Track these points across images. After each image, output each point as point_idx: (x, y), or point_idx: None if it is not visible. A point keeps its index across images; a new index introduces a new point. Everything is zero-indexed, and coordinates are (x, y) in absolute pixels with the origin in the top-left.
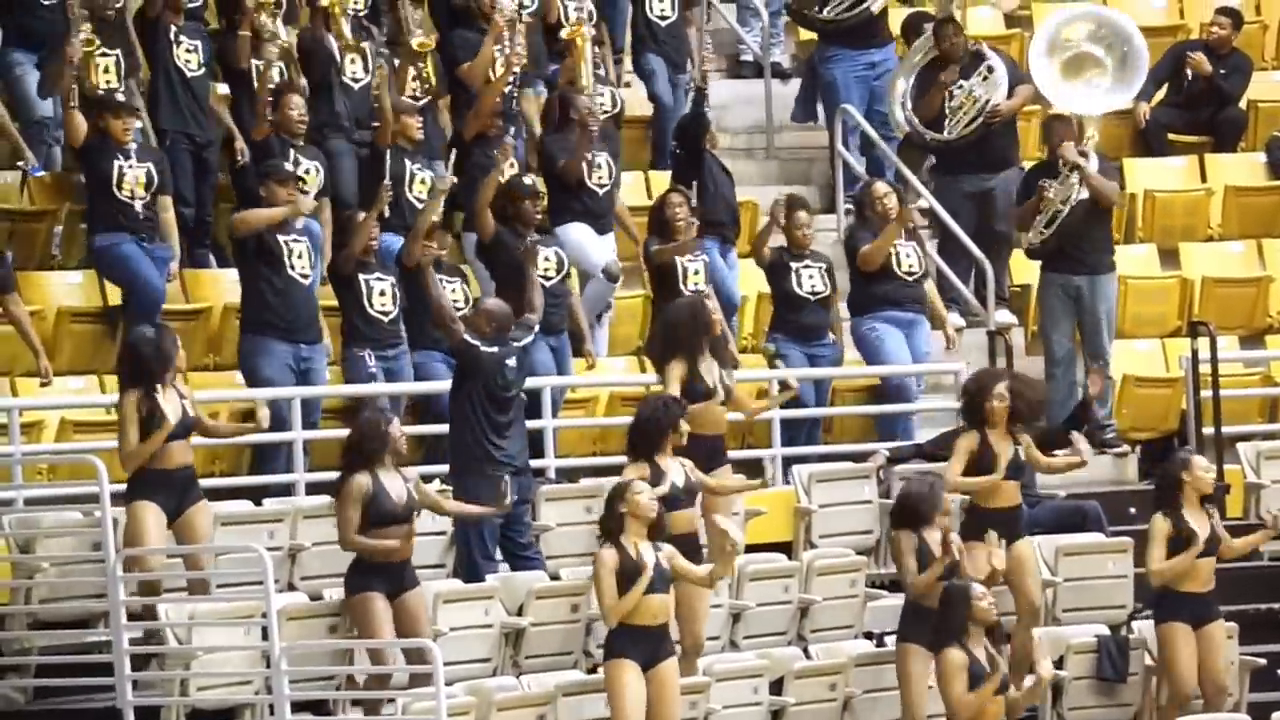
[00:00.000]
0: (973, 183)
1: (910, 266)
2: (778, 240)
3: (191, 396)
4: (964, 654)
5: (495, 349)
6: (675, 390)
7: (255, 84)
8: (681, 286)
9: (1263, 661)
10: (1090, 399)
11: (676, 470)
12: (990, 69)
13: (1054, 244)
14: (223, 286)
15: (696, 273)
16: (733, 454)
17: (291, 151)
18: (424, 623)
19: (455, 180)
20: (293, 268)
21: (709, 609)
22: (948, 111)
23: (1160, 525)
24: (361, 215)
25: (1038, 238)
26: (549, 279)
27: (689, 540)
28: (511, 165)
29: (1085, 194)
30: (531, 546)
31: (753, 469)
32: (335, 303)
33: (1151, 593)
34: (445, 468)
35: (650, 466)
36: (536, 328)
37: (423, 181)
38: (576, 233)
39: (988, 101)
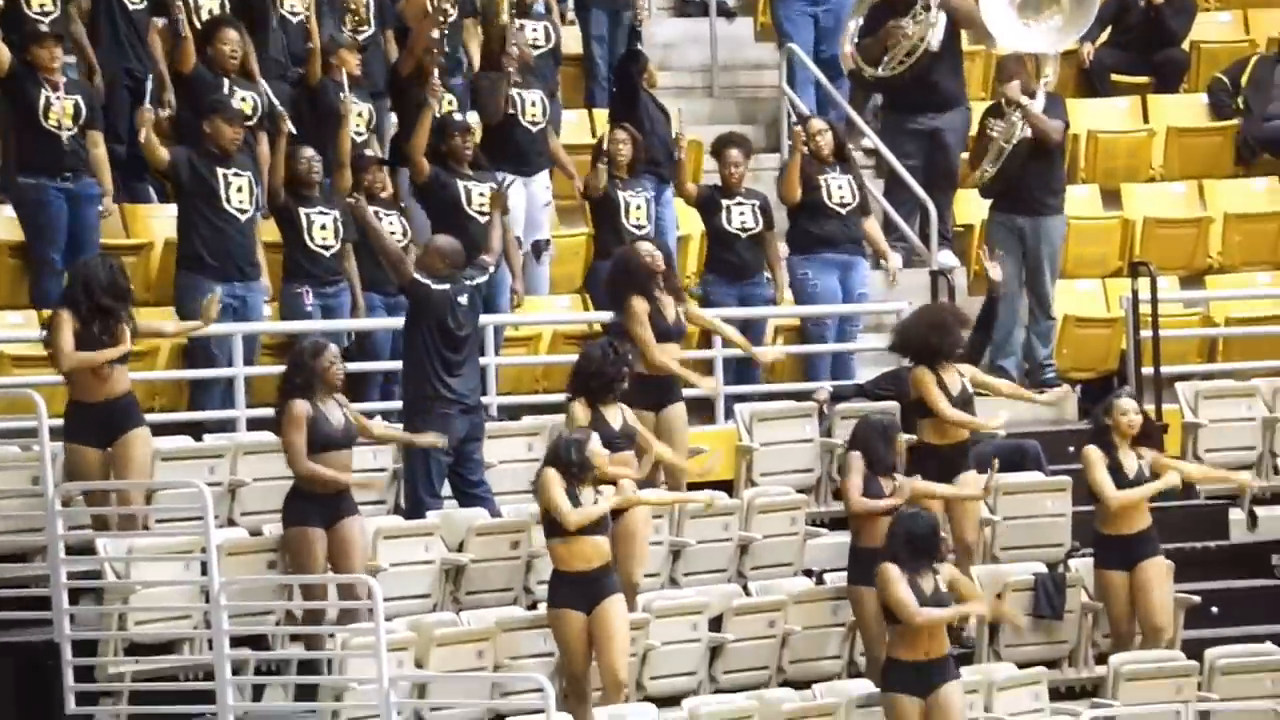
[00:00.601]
0: (921, 122)
1: (842, 198)
2: (710, 178)
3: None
4: (898, 568)
5: (446, 286)
6: (643, 326)
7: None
8: (623, 221)
9: (1197, 599)
10: (995, 287)
11: (615, 413)
12: (926, 7)
13: (1000, 183)
14: (162, 221)
15: (638, 208)
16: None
17: (226, 82)
18: (359, 550)
19: (358, 102)
20: (229, 201)
21: (646, 551)
22: (886, 48)
23: (1095, 454)
24: (310, 149)
25: (983, 176)
26: (483, 214)
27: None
28: (452, 103)
29: (1029, 133)
30: (483, 484)
31: (697, 406)
32: (277, 239)
33: (1092, 536)
34: (389, 404)
35: (592, 409)
36: (492, 268)
37: (359, 115)
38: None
39: (921, 40)
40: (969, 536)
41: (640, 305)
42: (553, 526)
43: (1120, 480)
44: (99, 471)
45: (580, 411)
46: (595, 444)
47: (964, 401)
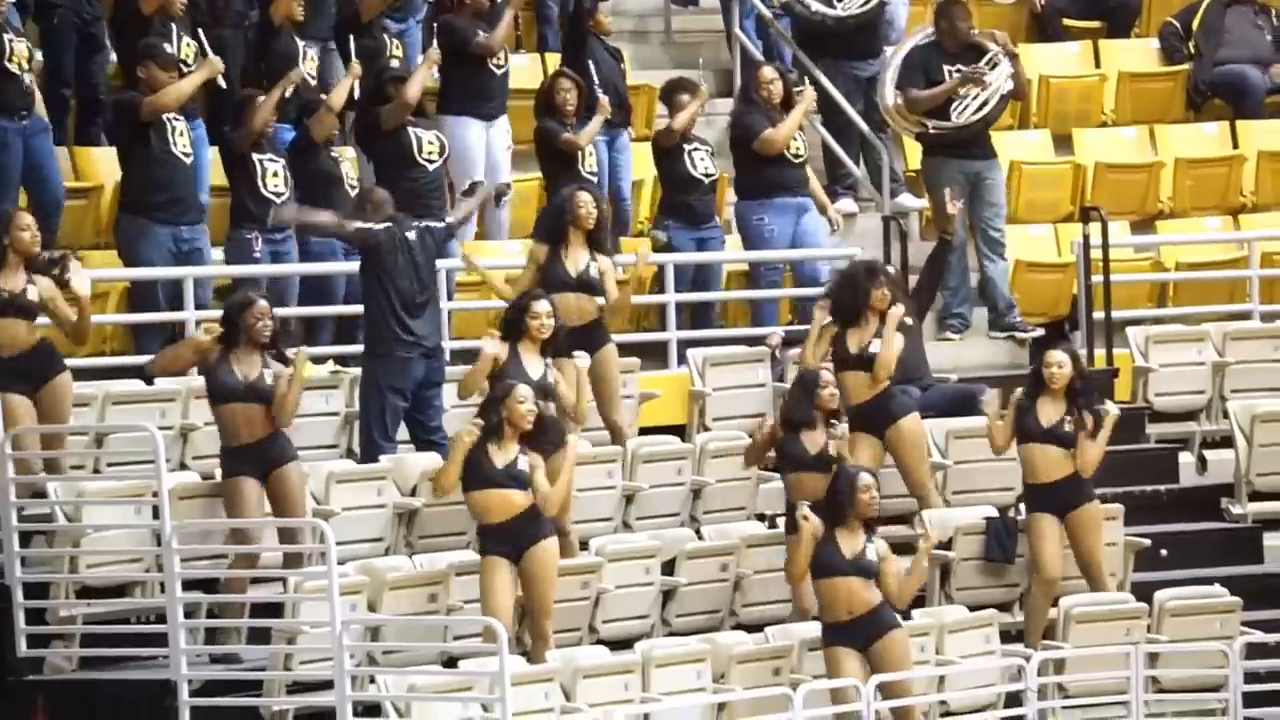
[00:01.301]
0: (865, 69)
1: (797, 150)
2: (660, 124)
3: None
4: (820, 526)
5: (389, 224)
6: (529, 272)
7: None
8: (580, 169)
9: (1147, 542)
10: (950, 227)
11: (535, 365)
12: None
13: (970, 131)
14: (112, 165)
15: (590, 154)
16: (629, 337)
17: (173, 27)
18: (299, 496)
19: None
20: (175, 145)
21: (570, 497)
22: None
23: (1012, 399)
24: (261, 97)
25: (965, 121)
26: (431, 162)
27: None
28: (398, 49)
29: (1011, 85)
30: (440, 430)
31: (650, 351)
32: (223, 183)
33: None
34: (338, 349)
35: (511, 352)
36: (450, 220)
37: (312, 59)
38: (462, 130)
39: (998, 90)
40: (920, 484)
41: (537, 250)
42: (469, 479)
43: (1031, 428)
44: (30, 416)
45: (492, 346)
46: (520, 395)
47: (860, 362)
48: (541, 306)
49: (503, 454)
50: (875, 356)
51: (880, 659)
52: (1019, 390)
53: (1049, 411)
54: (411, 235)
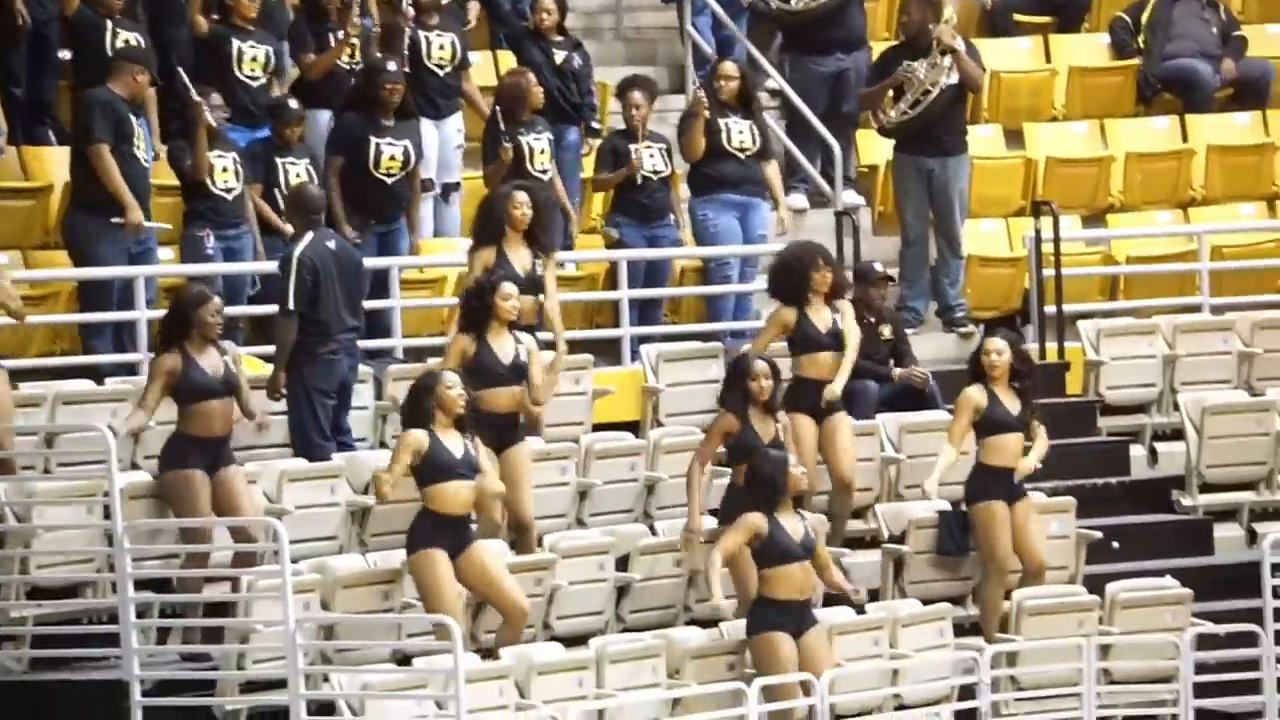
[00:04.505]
0: (828, 64)
1: (741, 143)
2: (617, 123)
3: None
4: (764, 520)
5: (311, 236)
6: (476, 274)
7: None
8: (529, 166)
9: (1099, 535)
10: (923, 385)
11: (507, 346)
12: (943, 53)
13: (915, 126)
14: (62, 165)
15: (542, 151)
16: (582, 334)
17: (109, 24)
18: (244, 498)
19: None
20: (137, 148)
21: (530, 486)
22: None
23: (968, 396)
24: (218, 97)
25: (900, 117)
26: (391, 176)
27: (507, 419)
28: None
29: (955, 79)
30: (348, 431)
31: (603, 347)
32: (173, 182)
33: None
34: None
35: (477, 340)
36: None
37: (254, 60)
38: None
39: (934, 84)
40: (844, 473)
41: (483, 255)
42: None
43: (999, 416)
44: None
45: (463, 342)
46: (455, 386)
47: (833, 336)
48: (509, 288)
49: (451, 442)
50: (842, 334)
51: (808, 652)
52: (972, 388)
53: (1008, 401)
54: (331, 244)
